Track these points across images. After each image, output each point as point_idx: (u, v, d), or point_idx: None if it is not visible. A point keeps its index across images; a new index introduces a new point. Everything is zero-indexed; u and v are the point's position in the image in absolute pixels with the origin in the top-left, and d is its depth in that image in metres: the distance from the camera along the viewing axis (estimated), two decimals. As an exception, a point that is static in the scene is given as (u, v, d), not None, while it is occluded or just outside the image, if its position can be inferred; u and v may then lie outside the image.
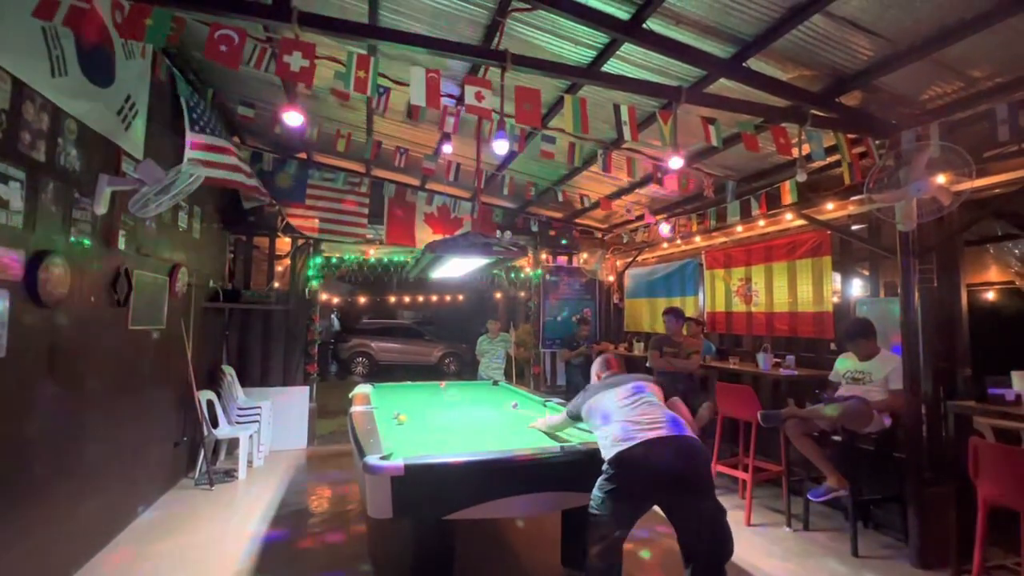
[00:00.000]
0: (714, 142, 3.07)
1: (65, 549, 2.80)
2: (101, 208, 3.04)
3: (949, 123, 3.20)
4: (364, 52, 3.31)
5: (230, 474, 4.70)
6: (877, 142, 3.47)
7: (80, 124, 2.86)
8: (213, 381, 5.13)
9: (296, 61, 2.34)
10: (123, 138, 3.33)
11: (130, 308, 3.45)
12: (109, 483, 3.27)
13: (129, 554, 3.15)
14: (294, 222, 6.06)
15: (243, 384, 5.53)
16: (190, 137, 3.85)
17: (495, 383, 5.32)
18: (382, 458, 2.23)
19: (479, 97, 2.59)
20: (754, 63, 3.12)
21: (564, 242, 7.43)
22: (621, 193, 5.79)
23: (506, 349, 6.49)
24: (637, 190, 5.59)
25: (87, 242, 2.98)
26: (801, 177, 3.35)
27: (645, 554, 3.28)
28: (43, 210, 2.57)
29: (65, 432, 2.80)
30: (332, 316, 13.70)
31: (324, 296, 7.29)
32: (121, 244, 3.34)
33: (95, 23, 2.18)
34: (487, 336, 6.50)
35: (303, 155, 6.09)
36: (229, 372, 5.36)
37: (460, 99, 2.69)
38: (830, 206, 4.26)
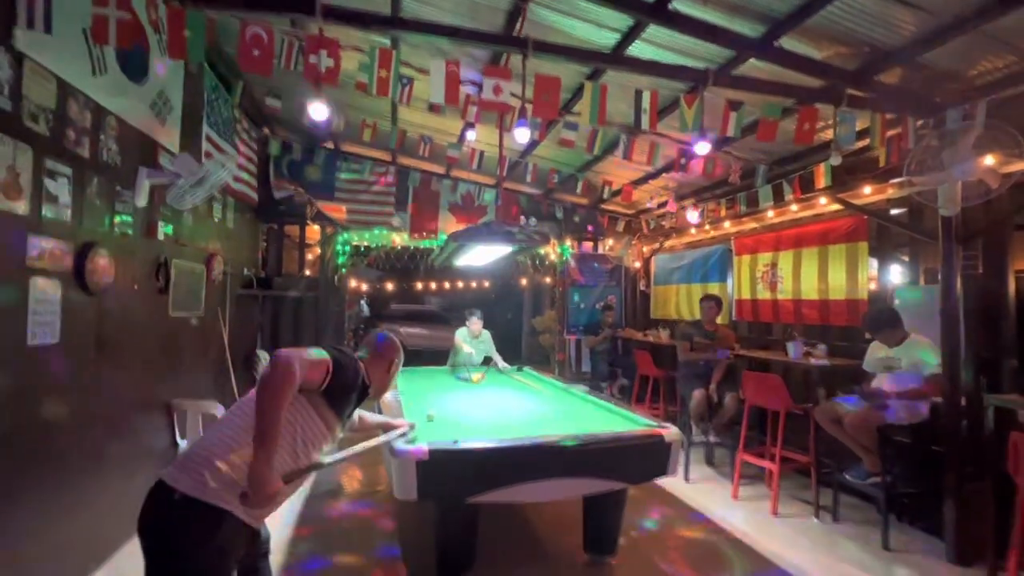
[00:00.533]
0: (731, 132, 2.98)
1: (107, 529, 3.00)
2: (141, 200, 3.19)
3: (999, 100, 3.01)
4: (387, 44, 3.34)
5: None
6: (919, 123, 3.30)
7: (119, 120, 2.99)
8: (248, 365, 5.35)
9: (322, 61, 2.39)
10: (159, 132, 3.46)
11: (170, 296, 3.62)
12: (151, 462, 3.47)
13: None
14: (324, 211, 6.21)
15: (277, 368, 5.73)
16: (206, 131, 4.01)
17: (520, 368, 5.35)
18: (408, 442, 2.30)
19: (497, 91, 2.58)
20: (786, 42, 3.00)
21: (590, 228, 7.37)
22: (648, 178, 5.69)
23: (487, 352, 5.35)
24: (664, 175, 5.49)
25: (129, 233, 3.12)
26: (836, 160, 3.23)
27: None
28: (88, 204, 2.71)
29: (107, 415, 2.98)
30: (361, 302, 14.01)
31: (353, 283, 7.46)
32: (161, 235, 3.50)
33: (136, 28, 2.28)
34: (468, 332, 5.28)
35: (331, 144, 6.20)
36: (263, 357, 5.57)
37: (482, 87, 2.69)
38: (867, 190, 4.09)
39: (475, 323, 5.28)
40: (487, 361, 5.29)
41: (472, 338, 5.28)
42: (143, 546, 1.50)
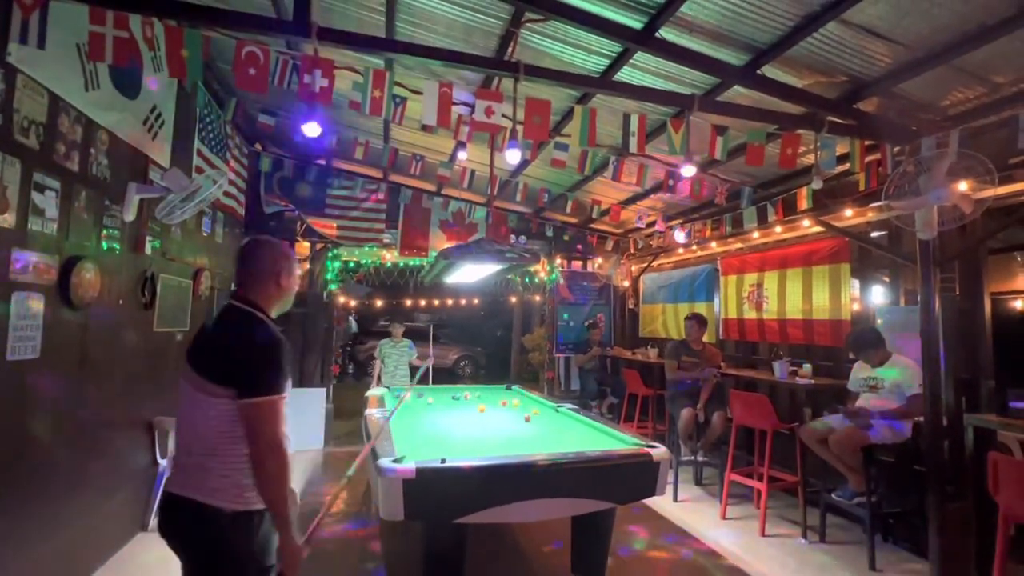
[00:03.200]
0: (718, 155, 3.07)
1: (96, 540, 2.92)
2: (130, 215, 3.17)
3: (972, 129, 3.14)
4: (381, 66, 3.40)
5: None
6: (895, 149, 3.42)
7: (111, 135, 2.99)
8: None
9: (316, 81, 2.43)
10: (150, 147, 3.46)
11: (155, 311, 3.58)
12: (136, 477, 3.39)
13: (158, 543, 3.27)
14: (314, 227, 6.20)
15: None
16: (197, 146, 4.03)
17: (509, 387, 5.33)
18: (394, 461, 2.27)
19: (489, 112, 2.63)
20: (768, 70, 3.11)
21: (579, 247, 7.43)
22: (636, 199, 5.79)
23: (410, 358, 6.17)
24: (652, 195, 5.59)
25: (116, 247, 3.10)
26: (817, 184, 3.31)
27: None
28: (76, 217, 2.69)
29: (93, 429, 2.92)
30: (350, 318, 13.90)
31: (342, 299, 7.42)
32: (148, 249, 3.47)
33: (131, 46, 2.30)
34: (391, 340, 6.20)
35: (322, 161, 6.23)
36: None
37: (474, 108, 2.74)
38: (848, 212, 4.20)
39: (398, 329, 6.27)
40: (414, 371, 6.04)
41: (394, 345, 6.17)
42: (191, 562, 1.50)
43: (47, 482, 2.53)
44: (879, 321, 4.15)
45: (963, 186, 3.02)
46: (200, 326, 1.69)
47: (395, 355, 6.17)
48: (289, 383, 1.55)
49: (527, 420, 3.58)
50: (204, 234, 4.49)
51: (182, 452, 1.55)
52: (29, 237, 2.35)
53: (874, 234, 4.30)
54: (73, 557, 2.73)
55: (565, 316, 7.40)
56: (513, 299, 12.17)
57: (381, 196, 6.44)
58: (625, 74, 3.38)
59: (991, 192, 2.90)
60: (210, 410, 1.48)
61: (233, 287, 1.71)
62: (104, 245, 2.97)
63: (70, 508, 2.69)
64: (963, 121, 3.11)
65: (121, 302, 3.17)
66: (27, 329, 2.34)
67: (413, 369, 6.05)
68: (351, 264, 6.67)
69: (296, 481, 4.66)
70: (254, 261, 1.65)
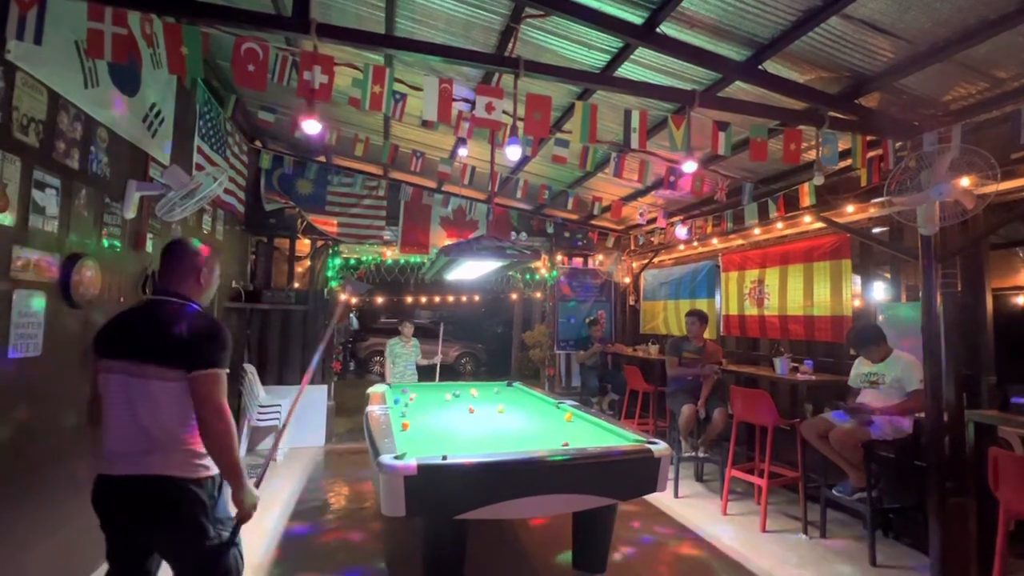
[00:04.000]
0: (721, 151, 3.06)
1: (97, 538, 2.92)
2: (130, 213, 3.17)
3: (974, 124, 3.13)
4: (380, 62, 3.39)
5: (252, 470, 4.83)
6: (897, 144, 3.41)
7: (111, 132, 2.99)
8: (235, 379, 5.28)
9: (316, 77, 2.42)
10: (150, 144, 3.45)
11: (157, 308, 3.57)
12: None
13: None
14: (314, 224, 6.20)
15: (263, 382, 5.67)
16: (197, 143, 4.04)
17: (509, 384, 5.33)
18: (396, 458, 2.28)
19: (490, 108, 2.62)
20: (770, 65, 3.10)
21: (579, 243, 7.43)
22: (637, 195, 5.78)
23: (416, 358, 6.21)
24: (653, 192, 5.58)
25: (117, 245, 3.10)
26: (819, 180, 3.31)
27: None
28: (76, 215, 2.69)
29: (95, 427, 2.92)
30: (351, 316, 13.91)
31: (343, 297, 7.43)
32: (149, 247, 3.47)
33: (130, 42, 2.30)
34: (400, 339, 6.20)
35: (322, 158, 6.22)
36: (250, 371, 5.50)
37: (475, 104, 2.73)
38: (850, 208, 4.20)
39: (408, 328, 6.29)
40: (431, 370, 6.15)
41: (403, 344, 6.20)
42: (164, 536, 1.67)
43: (48, 479, 2.54)
44: (880, 317, 4.15)
45: (965, 181, 3.01)
46: (114, 321, 1.78)
47: (405, 355, 6.16)
48: (229, 361, 1.74)
49: (500, 411, 3.73)
50: (204, 232, 4.49)
51: (131, 439, 1.65)
52: (30, 234, 2.35)
53: (875, 230, 4.29)
54: (73, 555, 2.74)
55: (566, 313, 7.40)
56: (514, 296, 12.17)
57: (381, 193, 6.44)
58: (626, 70, 3.37)
59: (993, 187, 2.89)
60: (161, 394, 1.64)
61: (156, 284, 1.92)
62: (105, 243, 2.97)
63: (71, 506, 2.69)
64: (965, 116, 3.09)
65: (122, 299, 3.16)
66: (29, 327, 2.34)
67: (426, 367, 6.16)
68: (352, 261, 6.67)
69: (298, 478, 4.68)
70: (179, 260, 1.84)
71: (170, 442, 1.65)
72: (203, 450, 1.68)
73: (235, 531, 1.76)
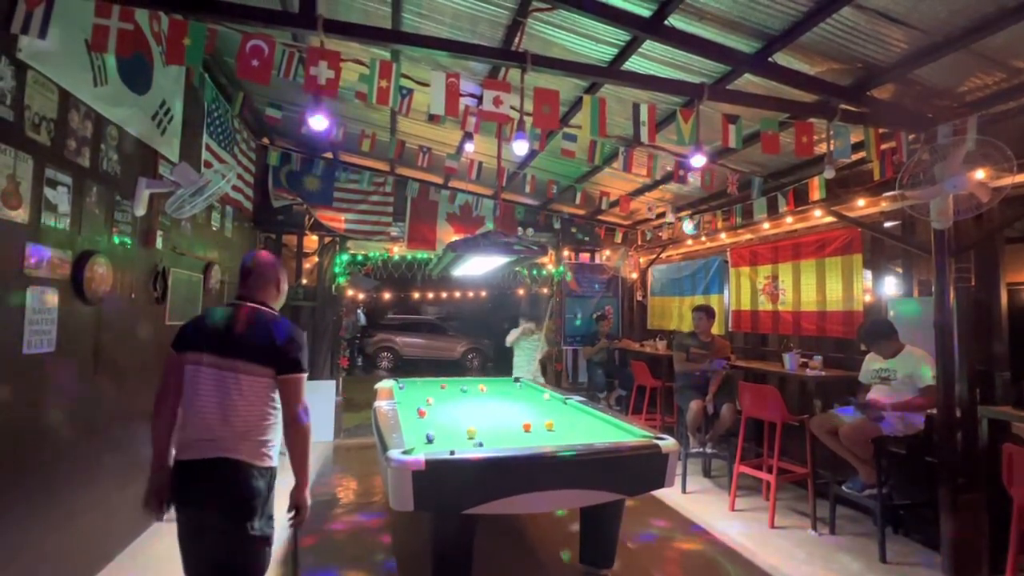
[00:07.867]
0: (732, 143, 3.02)
1: (111, 531, 2.97)
2: (140, 210, 3.19)
3: (990, 116, 3.07)
4: (387, 57, 3.38)
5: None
6: (911, 136, 3.35)
7: (120, 130, 3.01)
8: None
9: (323, 72, 2.42)
10: (159, 142, 3.47)
11: (167, 305, 3.61)
12: (145, 474, 3.43)
13: (172, 534, 3.32)
14: (322, 220, 6.23)
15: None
16: (205, 140, 4.06)
17: (517, 380, 5.35)
18: (404, 453, 2.29)
19: (497, 102, 2.61)
20: (780, 57, 3.05)
21: (587, 239, 7.40)
22: (644, 190, 5.74)
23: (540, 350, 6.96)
24: (661, 186, 5.53)
25: (128, 242, 3.13)
26: (829, 174, 3.26)
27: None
28: (87, 212, 2.72)
29: (108, 422, 2.96)
30: (358, 311, 13.98)
31: (350, 292, 7.46)
32: (159, 244, 3.50)
33: (137, 38, 2.31)
34: (526, 333, 7.01)
35: (329, 155, 6.23)
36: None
37: (481, 99, 2.72)
38: (861, 202, 4.14)
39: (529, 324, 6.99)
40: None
41: (527, 339, 6.91)
42: (220, 515, 1.79)
43: (62, 473, 2.58)
44: (892, 313, 4.10)
45: (980, 174, 2.96)
46: (200, 320, 1.97)
47: (528, 349, 6.89)
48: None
49: (481, 389, 3.98)
50: (213, 228, 4.52)
51: (210, 426, 1.81)
52: (42, 232, 2.37)
53: (887, 224, 4.23)
54: (88, 547, 2.79)
55: (573, 308, 7.38)
56: (520, 291, 12.16)
57: (388, 189, 6.44)
58: (634, 63, 3.34)
59: (1009, 180, 2.84)
60: (248, 389, 1.83)
61: (240, 291, 2.03)
62: (116, 239, 3.00)
63: (85, 499, 2.74)
64: (981, 107, 3.04)
65: (133, 296, 3.20)
66: (42, 323, 2.37)
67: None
68: (359, 257, 6.70)
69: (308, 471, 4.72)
70: (262, 271, 2.04)
71: (247, 431, 1.82)
72: (271, 441, 1.86)
73: (295, 533, 1.97)
